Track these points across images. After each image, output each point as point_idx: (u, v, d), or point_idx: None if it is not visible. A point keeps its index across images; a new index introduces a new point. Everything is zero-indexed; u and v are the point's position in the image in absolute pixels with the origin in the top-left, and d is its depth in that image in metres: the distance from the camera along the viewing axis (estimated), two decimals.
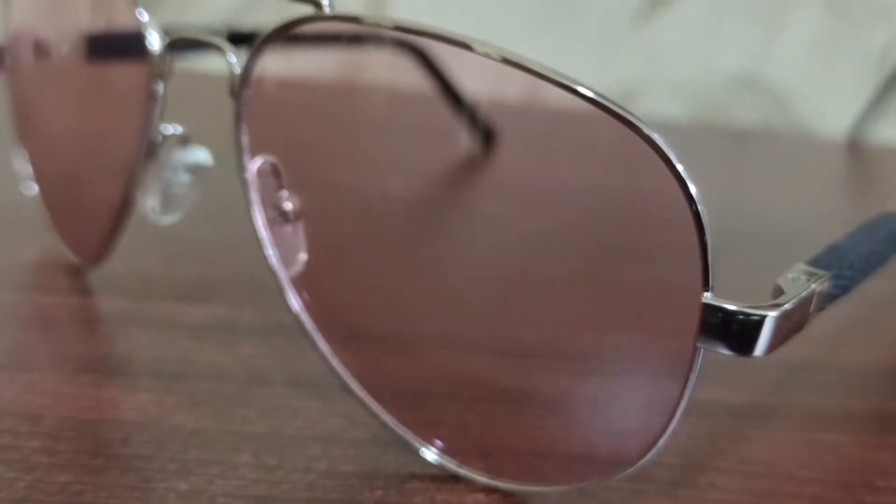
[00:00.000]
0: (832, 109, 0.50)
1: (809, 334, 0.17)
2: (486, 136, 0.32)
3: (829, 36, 0.50)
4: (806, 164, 0.45)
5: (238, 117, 0.20)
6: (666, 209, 0.15)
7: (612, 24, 0.49)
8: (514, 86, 0.16)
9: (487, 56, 0.16)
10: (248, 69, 0.19)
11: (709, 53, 0.50)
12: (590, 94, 0.15)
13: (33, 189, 0.27)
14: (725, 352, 0.15)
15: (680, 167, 0.15)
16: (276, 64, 0.19)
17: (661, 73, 0.50)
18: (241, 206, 0.20)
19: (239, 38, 0.23)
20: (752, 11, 0.49)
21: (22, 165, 0.27)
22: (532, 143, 0.23)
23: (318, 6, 0.18)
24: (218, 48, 0.20)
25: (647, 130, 0.15)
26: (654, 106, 0.50)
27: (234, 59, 0.20)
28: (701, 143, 0.45)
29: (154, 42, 0.21)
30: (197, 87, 0.24)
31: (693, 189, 0.15)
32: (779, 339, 0.15)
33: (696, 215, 0.15)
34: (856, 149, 0.49)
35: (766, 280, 0.16)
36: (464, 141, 0.31)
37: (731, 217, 0.33)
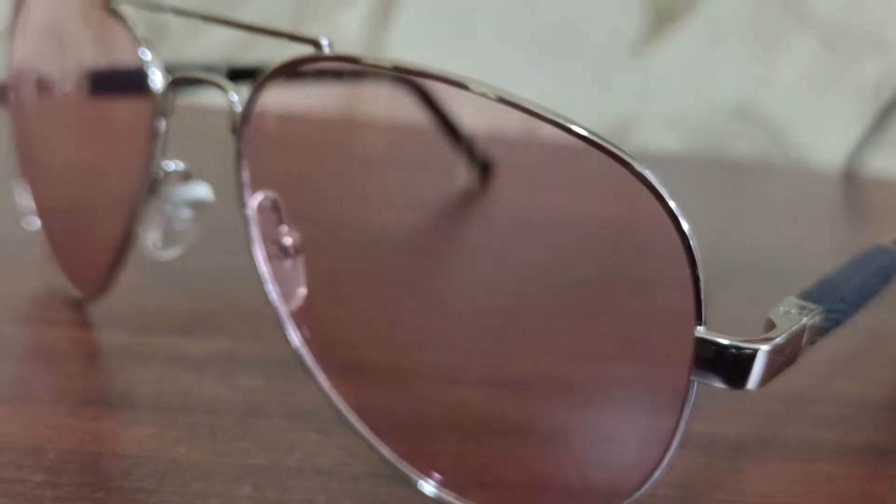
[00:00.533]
0: (827, 141, 0.50)
1: (804, 366, 0.17)
2: (484, 169, 0.32)
3: (825, 68, 0.50)
4: (801, 195, 0.46)
5: (239, 154, 0.20)
6: (661, 242, 0.16)
7: (609, 56, 0.49)
8: (512, 120, 0.17)
9: (484, 95, 0.16)
10: (248, 108, 0.20)
11: (704, 85, 0.50)
12: (583, 132, 0.16)
13: (35, 224, 0.27)
14: (719, 385, 0.16)
15: (672, 203, 0.15)
16: (276, 101, 0.20)
17: (658, 105, 0.50)
18: (242, 241, 0.20)
19: (239, 74, 0.23)
20: (747, 44, 0.50)
21: (24, 200, 0.28)
22: (529, 176, 0.23)
23: (318, 46, 0.18)
24: (219, 86, 0.21)
25: (638, 168, 0.15)
26: (650, 138, 0.50)
27: (235, 98, 0.20)
28: (696, 174, 0.45)
29: (157, 80, 0.22)
30: (198, 121, 0.24)
31: (685, 225, 0.15)
32: (771, 373, 0.16)
33: (689, 250, 0.15)
34: (851, 180, 0.49)
35: (761, 311, 0.17)
36: (462, 174, 0.31)
37: (726, 248, 0.33)
